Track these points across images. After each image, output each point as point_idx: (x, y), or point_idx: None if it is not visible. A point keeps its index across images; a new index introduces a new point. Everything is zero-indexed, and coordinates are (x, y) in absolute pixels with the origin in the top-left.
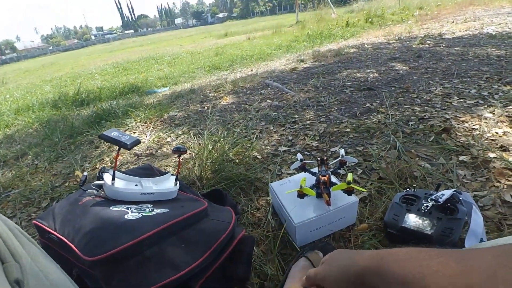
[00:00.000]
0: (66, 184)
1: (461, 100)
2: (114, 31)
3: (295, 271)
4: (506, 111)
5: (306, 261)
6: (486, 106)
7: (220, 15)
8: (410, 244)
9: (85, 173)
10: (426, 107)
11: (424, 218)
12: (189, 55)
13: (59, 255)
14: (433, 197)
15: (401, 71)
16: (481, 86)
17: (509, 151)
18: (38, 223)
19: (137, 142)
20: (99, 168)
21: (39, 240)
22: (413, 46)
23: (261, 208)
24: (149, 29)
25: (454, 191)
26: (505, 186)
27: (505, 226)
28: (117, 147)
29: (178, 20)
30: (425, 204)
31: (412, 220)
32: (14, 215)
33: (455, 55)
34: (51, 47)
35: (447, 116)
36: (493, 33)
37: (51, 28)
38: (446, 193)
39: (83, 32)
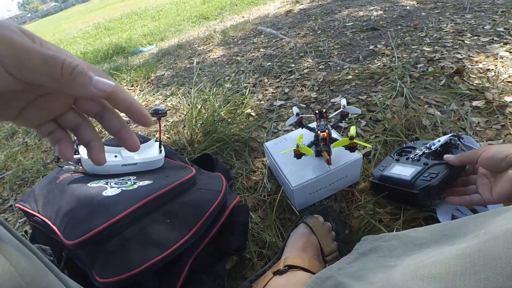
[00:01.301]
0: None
1: (475, 37)
2: None
3: (294, 239)
4: None
5: (305, 227)
6: (502, 43)
7: None
8: (389, 191)
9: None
10: (436, 47)
11: (409, 165)
12: (174, 6)
13: (47, 237)
14: (427, 145)
15: (408, 7)
16: (496, 21)
17: None
18: (21, 206)
19: None
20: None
21: (28, 222)
22: None
23: (257, 170)
24: None
25: (452, 135)
26: None
27: None
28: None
29: None
30: (416, 153)
31: (396, 168)
32: (9, 197)
33: None
34: (29, 14)
35: (459, 56)
36: None
37: None
38: (442, 138)
39: None
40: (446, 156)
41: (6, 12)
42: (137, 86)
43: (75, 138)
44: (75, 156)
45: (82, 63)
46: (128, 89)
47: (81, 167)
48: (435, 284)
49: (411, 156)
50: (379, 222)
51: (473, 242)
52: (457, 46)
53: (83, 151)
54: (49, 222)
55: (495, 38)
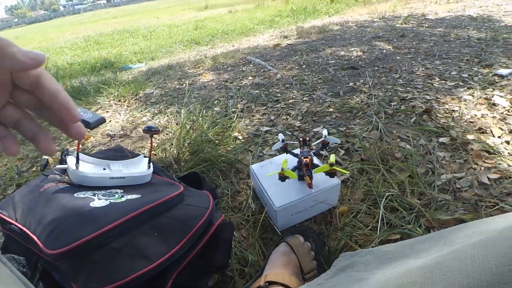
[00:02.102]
0: (34, 169)
1: (442, 81)
2: (85, 1)
3: (275, 257)
4: (485, 94)
5: (286, 246)
6: (466, 88)
7: None
8: None
9: (45, 157)
10: (408, 88)
11: None
12: (166, 28)
13: (23, 247)
14: None
15: (384, 51)
16: (461, 68)
17: (486, 133)
18: None
19: (102, 120)
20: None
21: (2, 231)
22: (397, 25)
23: (242, 191)
24: None
25: None
26: (482, 168)
27: (481, 208)
28: None
29: None
30: None
31: None
32: None
33: (437, 36)
34: (16, 19)
35: (428, 97)
36: (475, 16)
37: None
38: None
39: (51, 2)
40: None
41: None
42: (124, 102)
43: (66, 149)
44: (61, 166)
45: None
46: (115, 104)
47: (67, 177)
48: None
49: None
50: (356, 243)
51: (434, 255)
52: (427, 88)
53: (70, 161)
54: (27, 231)
55: (460, 83)
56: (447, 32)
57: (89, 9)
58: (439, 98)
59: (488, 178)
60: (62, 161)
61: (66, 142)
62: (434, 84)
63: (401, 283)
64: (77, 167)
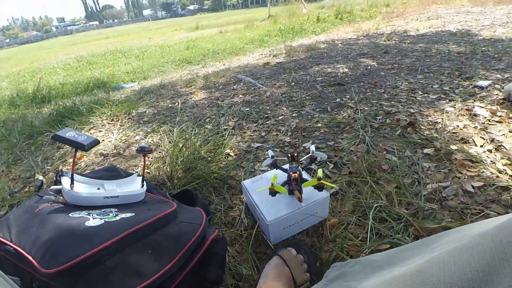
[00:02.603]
0: (26, 189)
1: (425, 94)
2: (78, 23)
3: (268, 270)
4: (466, 105)
5: (279, 259)
6: (447, 100)
7: (191, 7)
8: None
9: (40, 177)
10: (392, 102)
11: None
12: (158, 49)
13: (17, 267)
14: None
15: (369, 67)
16: (443, 81)
17: (469, 143)
18: None
19: (96, 142)
20: (56, 171)
21: None
22: (380, 42)
23: (235, 206)
24: (115, 20)
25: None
26: (466, 177)
27: (467, 215)
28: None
29: (147, 12)
30: None
31: None
32: None
33: (419, 51)
34: (7, 40)
35: (412, 111)
36: (454, 31)
37: (7, 19)
38: None
39: (43, 23)
40: None
41: None
42: (117, 121)
43: (61, 170)
44: (55, 187)
45: None
46: (108, 123)
47: (61, 198)
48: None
49: None
50: (347, 254)
51: (416, 263)
52: (410, 102)
53: (65, 182)
54: (22, 251)
55: (442, 96)
56: (428, 47)
57: (81, 30)
58: (422, 110)
59: (472, 186)
60: (57, 181)
61: (59, 162)
62: (417, 98)
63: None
64: (71, 188)
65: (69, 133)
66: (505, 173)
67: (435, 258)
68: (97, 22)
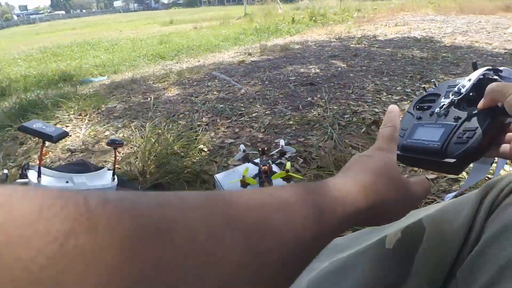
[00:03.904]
0: None
1: (389, 95)
2: (42, 11)
3: None
4: None
5: None
6: (409, 101)
7: (165, 1)
8: (417, 161)
9: (5, 171)
10: (359, 102)
11: (435, 125)
12: (130, 42)
13: None
14: (455, 88)
15: (340, 68)
16: (405, 84)
17: None
18: None
19: (65, 134)
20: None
21: None
22: (351, 45)
23: None
24: (83, 10)
25: (486, 69)
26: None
27: (421, 204)
28: (42, 140)
29: (118, 3)
30: (441, 103)
31: (419, 131)
32: None
33: (386, 55)
34: None
35: (376, 110)
36: (419, 37)
37: None
38: (474, 75)
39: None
40: (480, 103)
41: None
42: (85, 116)
43: (27, 163)
44: (22, 180)
45: None
46: (76, 118)
47: None
48: (326, 278)
49: (436, 109)
50: None
51: (364, 245)
52: (376, 102)
53: (31, 175)
54: None
55: (404, 97)
56: (395, 52)
57: (46, 19)
58: (386, 110)
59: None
60: (23, 175)
61: (22, 158)
62: (382, 98)
63: (335, 266)
64: (39, 181)
65: (37, 124)
66: None
67: (380, 240)
68: (63, 12)
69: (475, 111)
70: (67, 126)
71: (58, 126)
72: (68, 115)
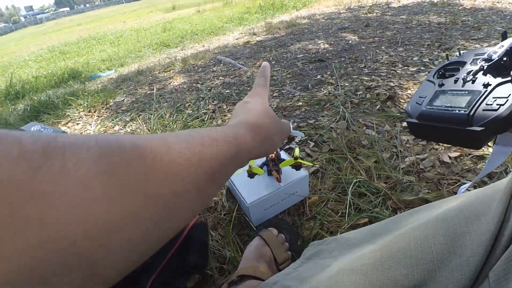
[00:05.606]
0: None
1: (405, 67)
2: (47, 10)
3: (249, 252)
4: None
5: (260, 240)
6: (427, 72)
7: None
8: (434, 132)
9: None
10: (373, 76)
11: (461, 91)
12: (134, 33)
13: None
14: (485, 55)
15: (350, 41)
16: (423, 53)
17: None
18: None
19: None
20: None
21: None
22: (362, 15)
23: None
24: (86, 5)
25: None
26: (443, 148)
27: (443, 186)
28: None
29: None
30: (469, 70)
31: (442, 98)
32: None
33: (400, 23)
34: None
35: (391, 84)
36: (435, 1)
37: None
38: (507, 42)
39: (10, 13)
40: None
41: None
42: (94, 112)
43: None
44: None
45: None
46: (86, 115)
47: None
48: (352, 276)
49: (463, 75)
50: (327, 231)
51: (386, 239)
52: (390, 76)
53: None
54: None
55: (422, 68)
56: (409, 19)
57: (51, 18)
58: (402, 84)
59: (449, 157)
60: None
61: None
62: (397, 71)
63: (355, 266)
64: None
65: (34, 127)
66: None
67: (402, 233)
68: (67, 8)
69: (508, 78)
70: (77, 124)
71: (70, 124)
72: (78, 113)
